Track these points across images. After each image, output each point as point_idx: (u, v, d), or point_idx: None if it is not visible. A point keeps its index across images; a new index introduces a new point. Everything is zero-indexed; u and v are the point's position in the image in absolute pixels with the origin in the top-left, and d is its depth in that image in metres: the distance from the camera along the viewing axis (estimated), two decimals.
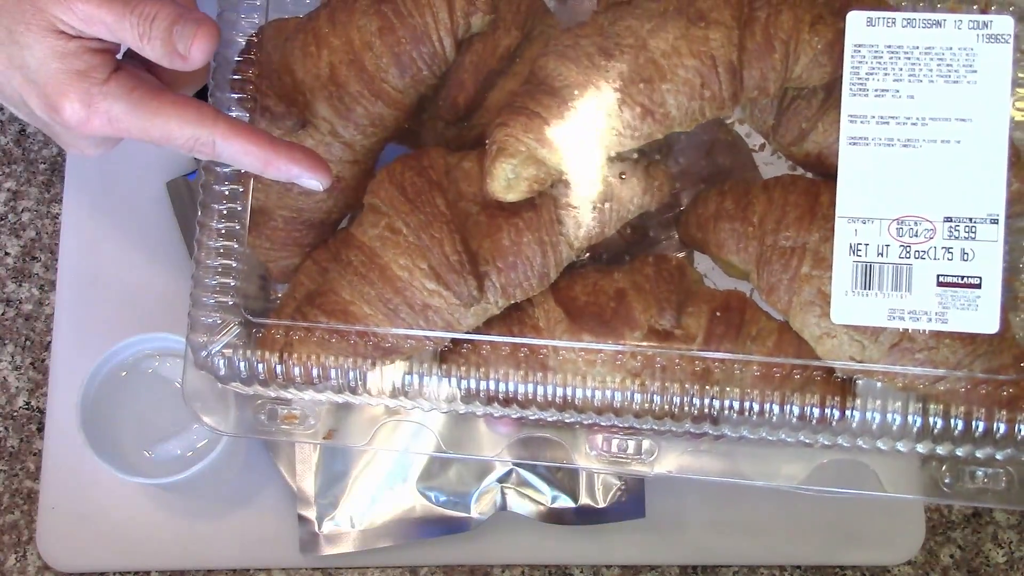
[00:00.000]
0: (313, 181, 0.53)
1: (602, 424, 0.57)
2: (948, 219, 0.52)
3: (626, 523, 0.72)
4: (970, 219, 0.52)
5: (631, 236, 0.60)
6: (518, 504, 0.72)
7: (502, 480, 0.72)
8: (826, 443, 0.56)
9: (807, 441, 0.56)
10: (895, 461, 0.56)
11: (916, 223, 0.52)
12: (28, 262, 0.78)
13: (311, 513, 0.72)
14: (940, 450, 0.55)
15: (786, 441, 0.56)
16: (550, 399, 0.56)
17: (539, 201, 0.55)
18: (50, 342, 0.76)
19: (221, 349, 0.57)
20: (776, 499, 0.74)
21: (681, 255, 0.60)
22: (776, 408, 0.54)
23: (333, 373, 0.56)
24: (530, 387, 0.55)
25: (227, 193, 0.58)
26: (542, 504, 0.72)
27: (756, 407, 0.54)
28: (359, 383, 0.56)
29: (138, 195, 0.78)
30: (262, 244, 0.59)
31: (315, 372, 0.56)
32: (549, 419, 0.57)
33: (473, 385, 0.56)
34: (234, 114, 0.58)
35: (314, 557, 0.72)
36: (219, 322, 0.57)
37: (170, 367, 0.69)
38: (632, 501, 0.72)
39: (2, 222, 0.79)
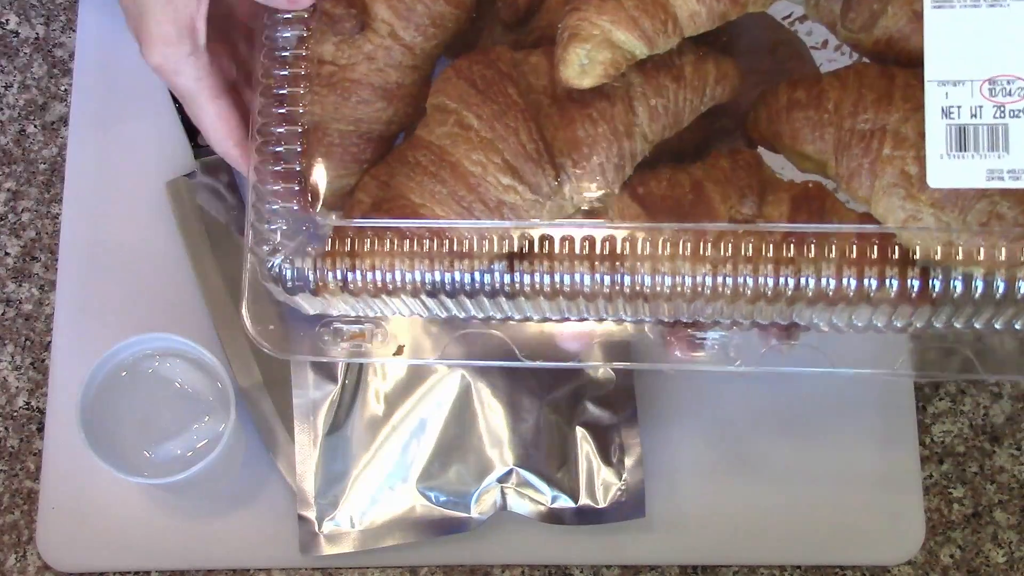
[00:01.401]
0: None
1: (684, 322, 0.56)
2: None
3: (626, 523, 0.72)
4: None
5: (701, 137, 0.59)
6: (518, 504, 0.72)
7: (502, 480, 0.72)
8: (919, 325, 0.54)
9: (899, 324, 0.54)
10: (989, 342, 0.56)
11: (1009, 82, 0.51)
12: (28, 262, 0.78)
13: (311, 513, 0.72)
14: None
15: (877, 327, 0.55)
16: (630, 293, 0.54)
17: (611, 91, 0.53)
18: (50, 342, 0.76)
19: (289, 256, 0.55)
20: (776, 499, 0.74)
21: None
22: (866, 290, 0.53)
23: (406, 278, 0.54)
24: (608, 280, 0.54)
25: (284, 110, 0.57)
26: (542, 504, 0.72)
27: (849, 285, 0.53)
28: (433, 287, 0.54)
29: (138, 195, 0.77)
30: (324, 165, 0.57)
31: (387, 278, 0.54)
32: (628, 320, 0.56)
33: (551, 282, 0.54)
34: (289, 16, 0.58)
35: (314, 557, 0.72)
36: (284, 229, 0.55)
37: (170, 367, 0.69)
38: (632, 501, 0.72)
39: (2, 222, 0.79)
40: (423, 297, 0.55)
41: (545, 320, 0.57)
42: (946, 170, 0.52)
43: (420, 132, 0.55)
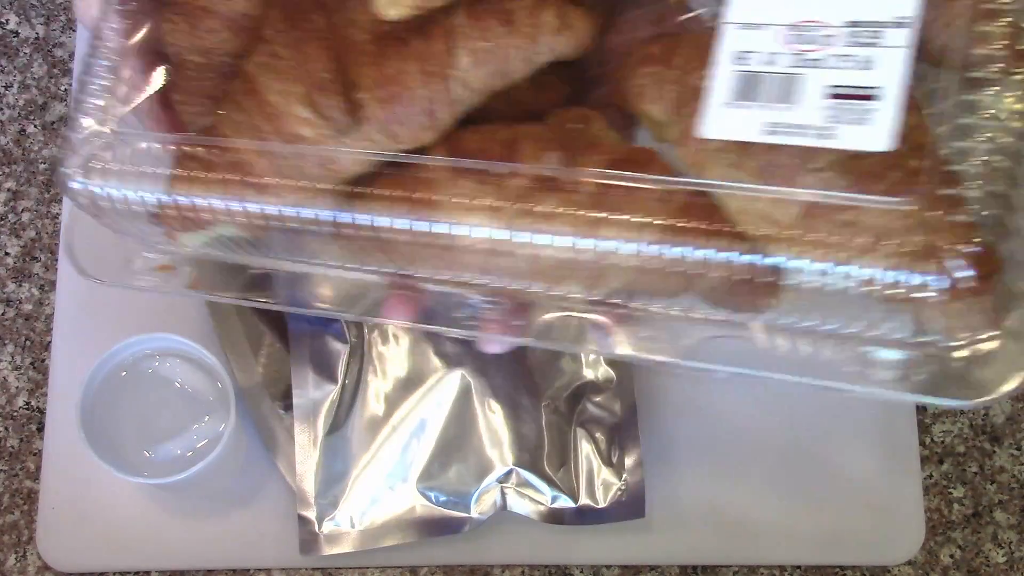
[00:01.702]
0: None
1: (481, 285, 0.52)
2: (852, 24, 0.46)
3: (626, 523, 0.72)
4: (876, 23, 0.46)
5: (561, 102, 0.54)
6: (518, 504, 0.72)
7: (502, 480, 0.72)
8: (723, 317, 0.50)
9: (698, 318, 0.50)
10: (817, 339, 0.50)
11: (814, 29, 0.46)
12: (28, 262, 0.78)
13: (311, 513, 0.72)
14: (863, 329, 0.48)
15: (675, 314, 0.50)
16: (433, 237, 0.49)
17: (431, 30, 0.50)
18: (50, 342, 0.76)
19: (80, 168, 0.51)
20: (777, 499, 0.74)
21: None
22: (663, 258, 0.46)
23: (199, 203, 0.50)
24: (411, 226, 0.49)
25: (115, 25, 0.54)
26: (542, 504, 0.72)
27: (647, 253, 0.46)
28: (231, 219, 0.50)
29: None
30: (183, 101, 0.55)
31: (165, 201, 0.50)
32: (436, 278, 0.52)
33: (335, 220, 0.50)
34: None
35: (314, 557, 0.72)
36: (82, 139, 0.52)
37: (170, 367, 0.69)
38: (632, 501, 0.72)
39: (2, 222, 0.79)
40: (218, 231, 0.52)
41: (345, 268, 0.53)
42: (722, 120, 0.46)
43: (243, 62, 0.52)
